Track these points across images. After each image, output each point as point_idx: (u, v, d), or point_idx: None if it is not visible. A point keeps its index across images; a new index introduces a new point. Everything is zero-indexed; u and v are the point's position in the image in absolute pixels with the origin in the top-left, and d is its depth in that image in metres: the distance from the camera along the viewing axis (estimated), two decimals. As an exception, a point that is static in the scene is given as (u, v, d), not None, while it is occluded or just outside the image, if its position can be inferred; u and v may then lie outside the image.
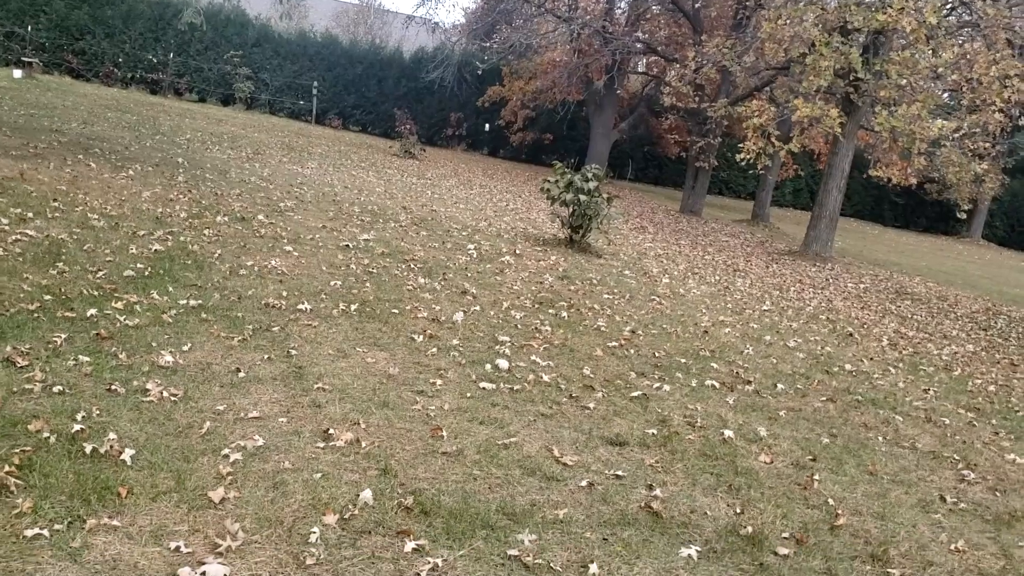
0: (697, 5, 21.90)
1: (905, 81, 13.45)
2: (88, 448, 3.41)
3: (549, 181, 11.24)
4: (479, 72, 25.24)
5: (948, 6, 15.98)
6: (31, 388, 3.89)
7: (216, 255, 7.10)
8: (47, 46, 25.10)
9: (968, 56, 13.35)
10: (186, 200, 9.25)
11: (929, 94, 13.65)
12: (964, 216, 17.92)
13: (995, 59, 13.06)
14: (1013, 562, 4.09)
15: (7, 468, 3.13)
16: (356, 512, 3.39)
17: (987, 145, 15.53)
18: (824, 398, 6.47)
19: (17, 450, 3.29)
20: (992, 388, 7.94)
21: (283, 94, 28.20)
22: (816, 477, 4.70)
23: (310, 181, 13.29)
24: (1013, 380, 8.47)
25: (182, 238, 7.44)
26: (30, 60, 23.09)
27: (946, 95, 19.14)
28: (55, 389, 3.93)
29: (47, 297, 5.15)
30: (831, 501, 4.43)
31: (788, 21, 13.84)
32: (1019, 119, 14.33)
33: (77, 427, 3.57)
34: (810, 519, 4.17)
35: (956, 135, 13.90)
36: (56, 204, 7.67)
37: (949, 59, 13.14)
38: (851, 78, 14.13)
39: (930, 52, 13.70)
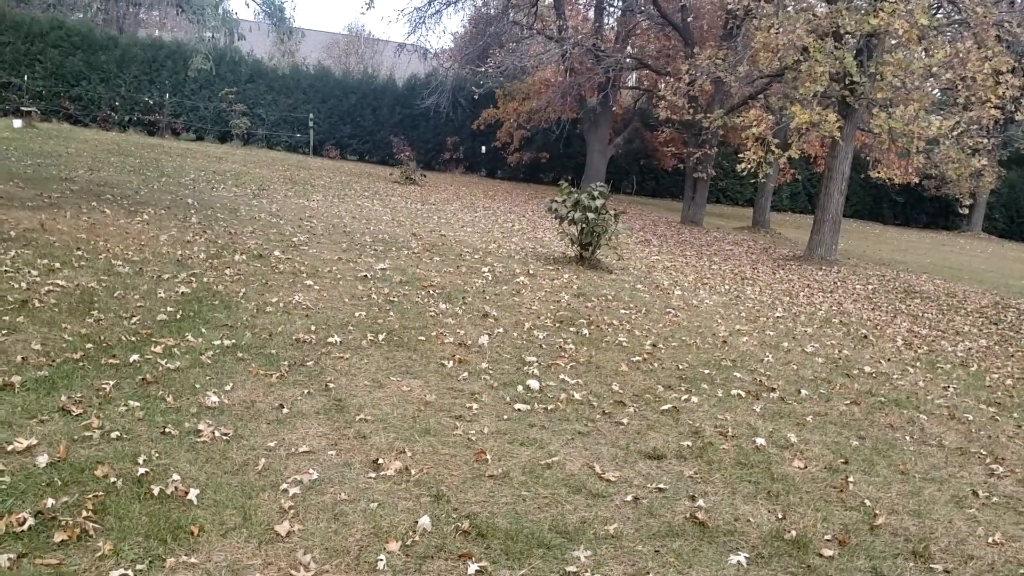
0: (689, 19, 22.15)
1: (900, 82, 13.63)
2: (156, 490, 3.53)
3: (556, 201, 11.38)
4: (475, 97, 25.47)
5: (936, 5, 16.20)
6: (90, 435, 4.01)
7: (241, 294, 7.23)
8: (44, 94, 25.40)
9: (960, 55, 13.53)
10: (203, 241, 9.39)
11: (925, 93, 13.83)
12: (966, 211, 18.06)
13: (987, 56, 13.25)
14: (1051, 551, 4.19)
15: (84, 513, 3.25)
16: (417, 538, 3.50)
17: (983, 140, 15.69)
18: (848, 401, 6.58)
19: (90, 495, 3.41)
20: (1009, 382, 8.06)
21: (279, 128, 28.42)
22: (850, 479, 4.81)
23: (318, 214, 13.45)
24: (1029, 372, 8.58)
25: (205, 279, 7.57)
26: (28, 109, 23.29)
27: (936, 92, 19.35)
28: (113, 435, 4.05)
29: (89, 345, 5.28)
30: (867, 502, 4.54)
31: (781, 29, 14.04)
32: (1014, 113, 14.45)
33: (141, 470, 3.69)
34: (850, 520, 4.28)
35: (954, 133, 14.06)
36: (80, 252, 7.81)
37: (942, 58, 13.33)
38: (847, 82, 14.31)
39: (923, 52, 13.90)
